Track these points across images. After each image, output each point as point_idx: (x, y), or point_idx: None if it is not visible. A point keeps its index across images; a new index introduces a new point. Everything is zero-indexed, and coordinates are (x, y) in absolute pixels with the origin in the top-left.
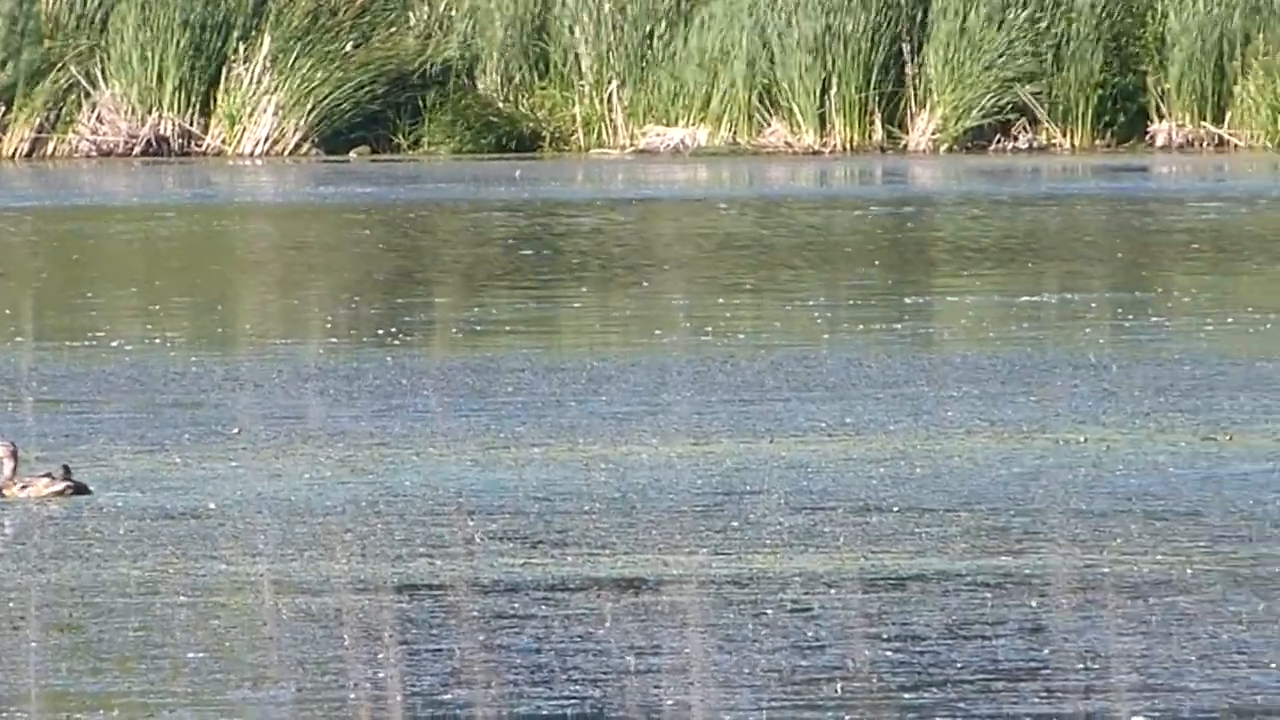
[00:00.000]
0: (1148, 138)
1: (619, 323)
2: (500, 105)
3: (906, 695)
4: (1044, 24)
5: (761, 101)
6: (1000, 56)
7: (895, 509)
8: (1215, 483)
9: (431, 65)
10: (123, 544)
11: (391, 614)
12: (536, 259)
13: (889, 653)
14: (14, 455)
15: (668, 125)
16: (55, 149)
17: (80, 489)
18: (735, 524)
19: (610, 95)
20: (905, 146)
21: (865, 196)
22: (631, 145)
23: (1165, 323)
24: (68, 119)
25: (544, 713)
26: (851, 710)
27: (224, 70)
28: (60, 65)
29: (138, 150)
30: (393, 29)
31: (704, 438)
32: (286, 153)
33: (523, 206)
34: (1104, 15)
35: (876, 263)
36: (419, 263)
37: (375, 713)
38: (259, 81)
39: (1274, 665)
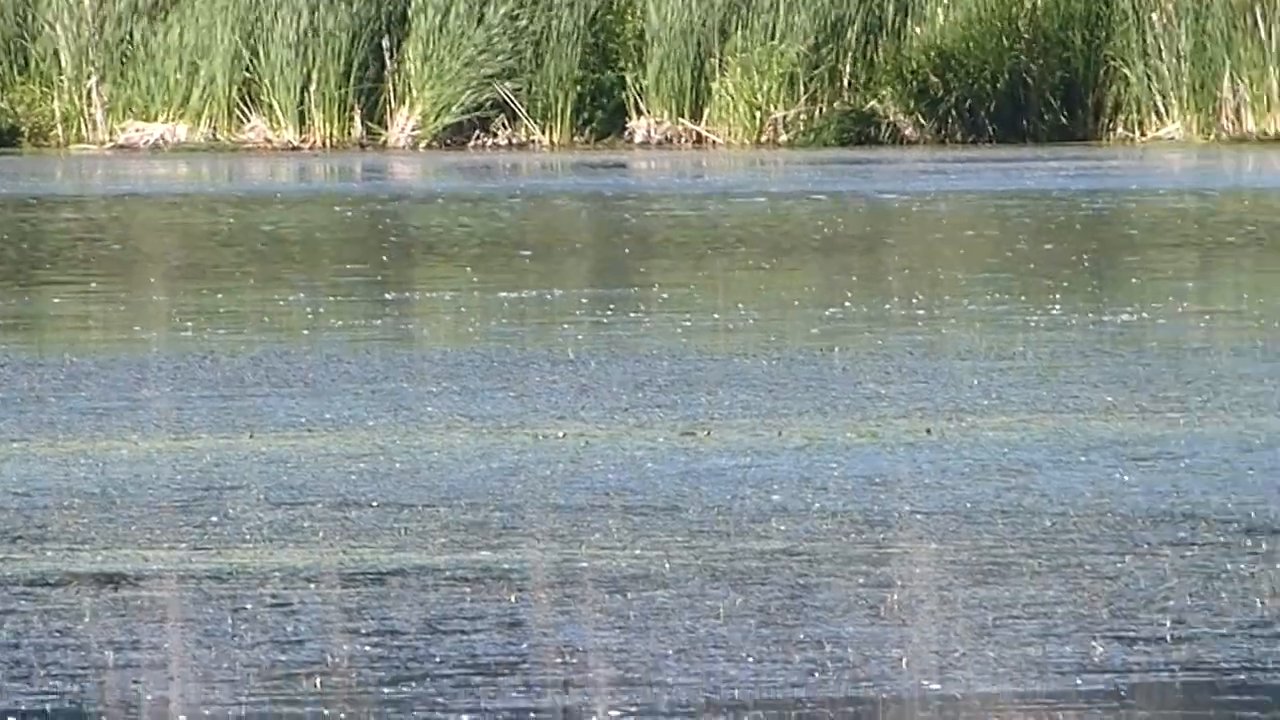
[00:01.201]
0: (626, 134)
1: (99, 319)
2: None
3: (386, 690)
4: (523, 21)
5: (242, 98)
6: (481, 53)
7: (374, 504)
8: (693, 478)
9: None
10: None
11: None
12: (16, 255)
13: (368, 647)
14: None
15: (148, 121)
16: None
17: None
18: (215, 519)
19: (90, 90)
20: (385, 143)
21: (344, 193)
22: (111, 141)
23: (644, 319)
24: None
25: (23, 708)
26: (330, 705)
27: None
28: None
29: None
30: None
31: (184, 433)
32: None
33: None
34: (583, 11)
35: (356, 259)
36: None
37: None
38: None
39: (750, 659)
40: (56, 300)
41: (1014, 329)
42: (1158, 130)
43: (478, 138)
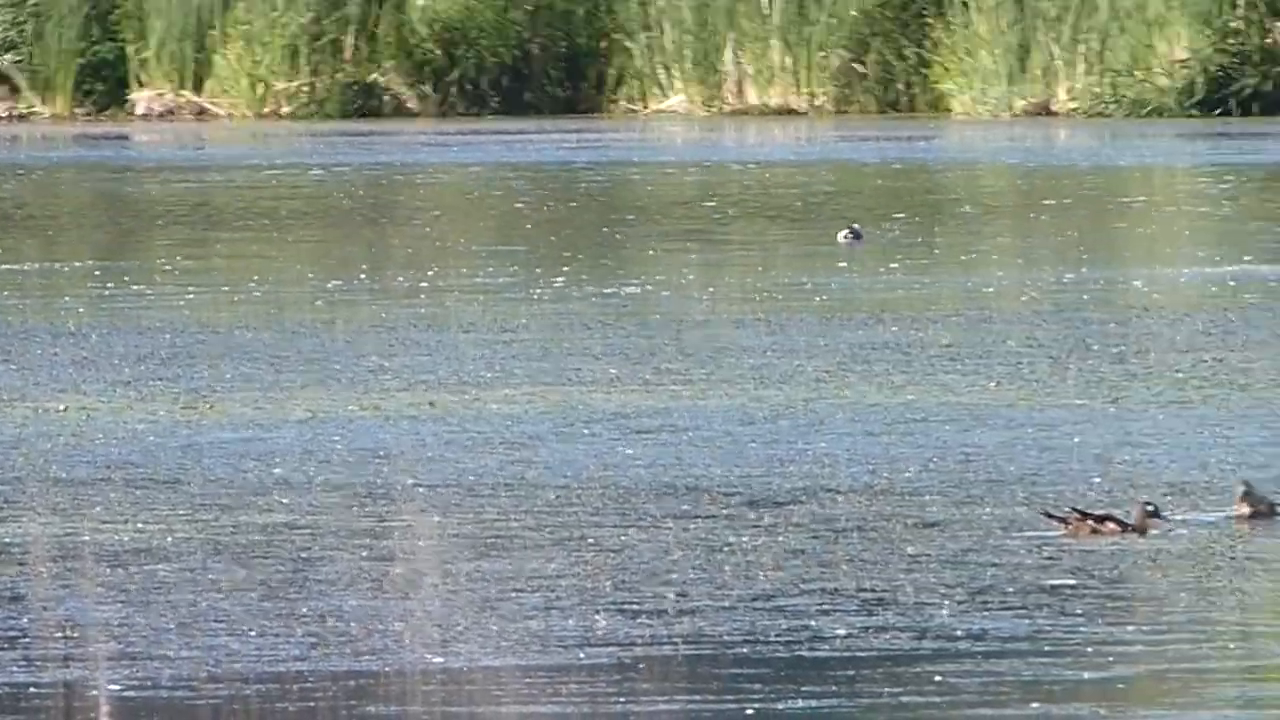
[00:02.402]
0: (128, 106)
1: None
2: None
3: None
4: None
5: None
6: None
7: None
8: (195, 451)
9: None
10: None
11: None
12: None
13: None
14: None
15: None
16: None
17: None
18: None
19: None
20: None
21: None
22: None
23: (146, 291)
24: None
25: None
26: None
27: None
28: None
29: None
30: None
31: None
32: None
33: None
34: None
35: None
36: None
37: None
38: None
39: (253, 632)
40: None
41: (517, 301)
42: (661, 103)
43: None
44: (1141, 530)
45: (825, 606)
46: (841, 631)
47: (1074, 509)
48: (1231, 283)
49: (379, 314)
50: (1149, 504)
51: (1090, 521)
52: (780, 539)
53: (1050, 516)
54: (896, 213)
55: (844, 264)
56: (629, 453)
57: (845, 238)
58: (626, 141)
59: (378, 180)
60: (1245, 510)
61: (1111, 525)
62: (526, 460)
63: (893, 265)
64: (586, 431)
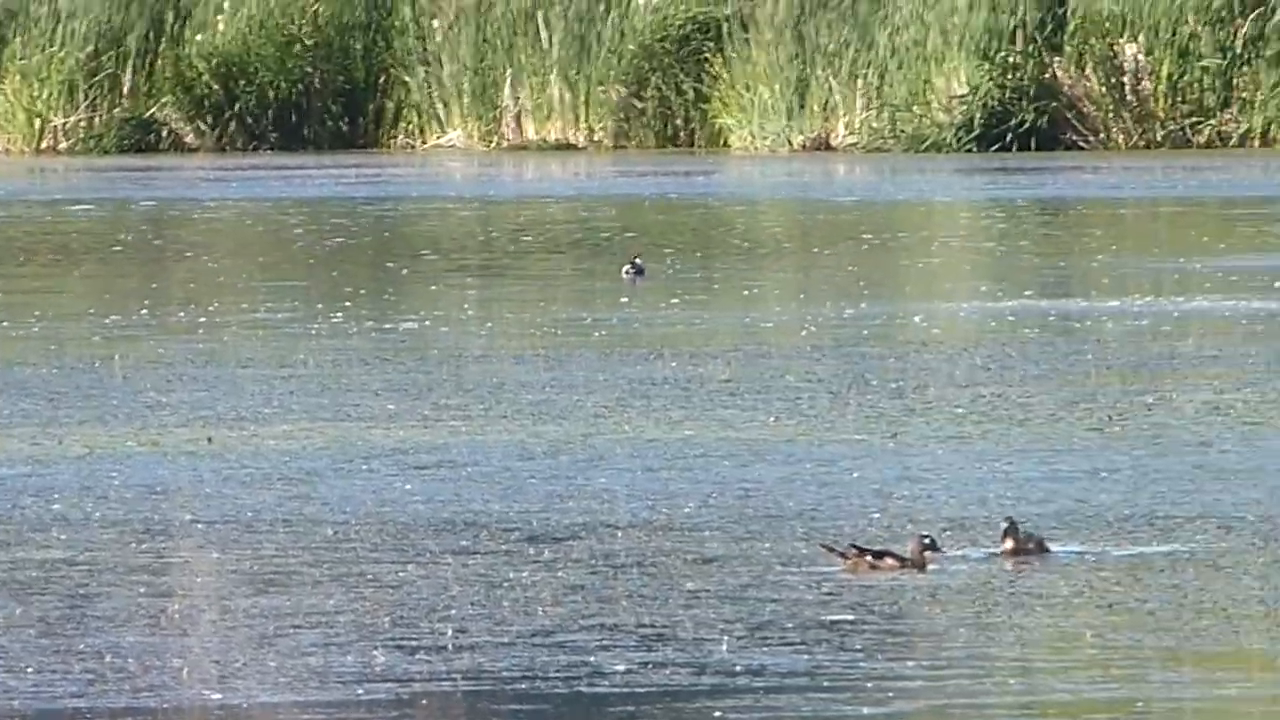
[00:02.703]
0: None
1: None
2: None
3: None
4: None
5: None
6: None
7: None
8: None
9: None
10: None
11: None
12: None
13: None
14: None
15: None
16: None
17: None
18: None
19: None
20: None
21: None
22: None
23: None
24: None
25: None
26: None
27: None
28: None
29: None
30: None
31: None
32: None
33: None
34: None
35: None
36: None
37: None
38: None
39: (30, 669)
40: None
41: (296, 337)
42: (439, 137)
43: None
44: (919, 565)
45: (604, 642)
46: (621, 667)
47: (852, 545)
48: (1010, 317)
49: (157, 349)
50: (926, 537)
51: (869, 557)
52: (559, 575)
53: (829, 550)
54: (677, 248)
55: (625, 299)
56: (407, 488)
57: (628, 273)
58: (405, 176)
59: (156, 215)
60: (1009, 546)
61: (890, 560)
62: (304, 496)
63: (673, 300)
64: (365, 467)
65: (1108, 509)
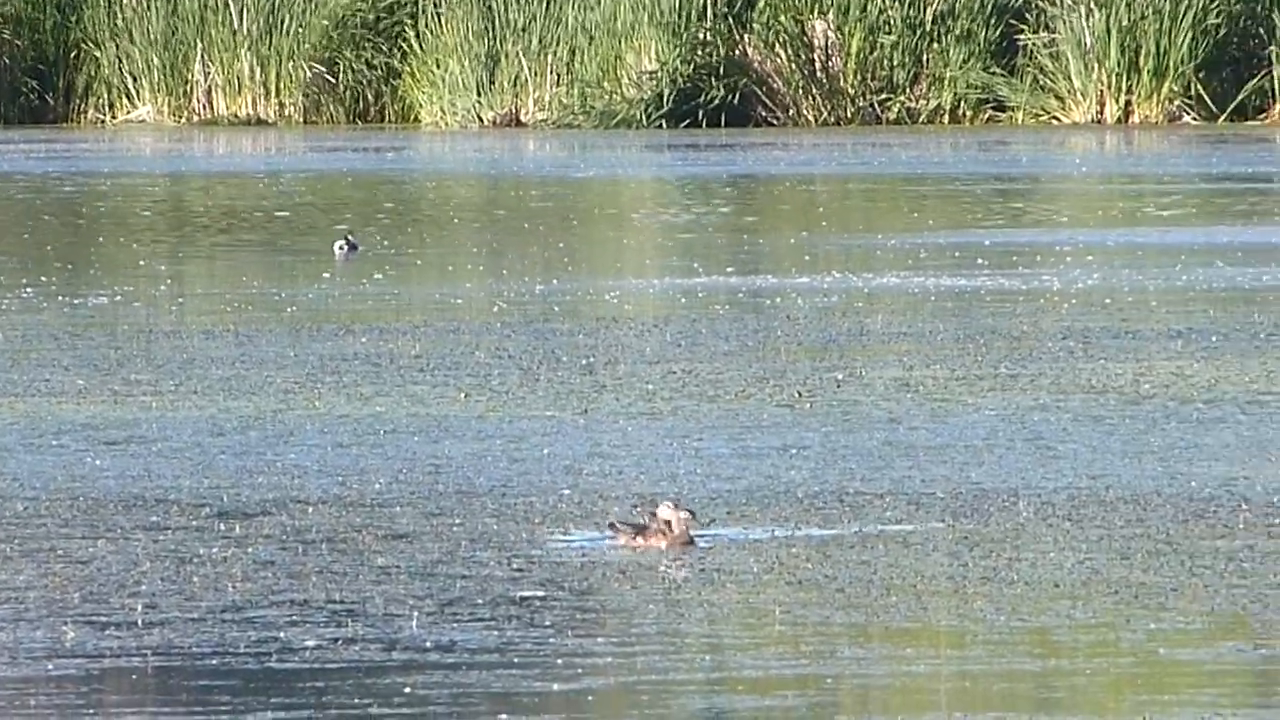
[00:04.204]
0: None
1: None
2: None
3: None
4: None
5: None
6: None
7: None
8: None
9: None
10: None
11: None
12: None
13: None
14: None
15: None
16: None
17: None
18: None
19: None
20: None
21: None
22: None
23: None
24: None
25: None
26: None
27: None
28: None
29: None
30: None
31: None
32: None
33: None
34: None
35: None
36: None
37: None
38: None
39: None
40: None
41: None
42: (129, 113)
43: None
44: (687, 540)
45: (294, 618)
46: (311, 643)
47: (625, 521)
48: (701, 294)
49: None
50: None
51: (637, 533)
52: (249, 550)
53: (613, 527)
54: (370, 224)
55: (327, 275)
56: (97, 464)
57: (340, 249)
58: (96, 152)
59: None
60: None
61: (656, 534)
62: None
63: (375, 276)
64: (55, 443)
65: (798, 485)
